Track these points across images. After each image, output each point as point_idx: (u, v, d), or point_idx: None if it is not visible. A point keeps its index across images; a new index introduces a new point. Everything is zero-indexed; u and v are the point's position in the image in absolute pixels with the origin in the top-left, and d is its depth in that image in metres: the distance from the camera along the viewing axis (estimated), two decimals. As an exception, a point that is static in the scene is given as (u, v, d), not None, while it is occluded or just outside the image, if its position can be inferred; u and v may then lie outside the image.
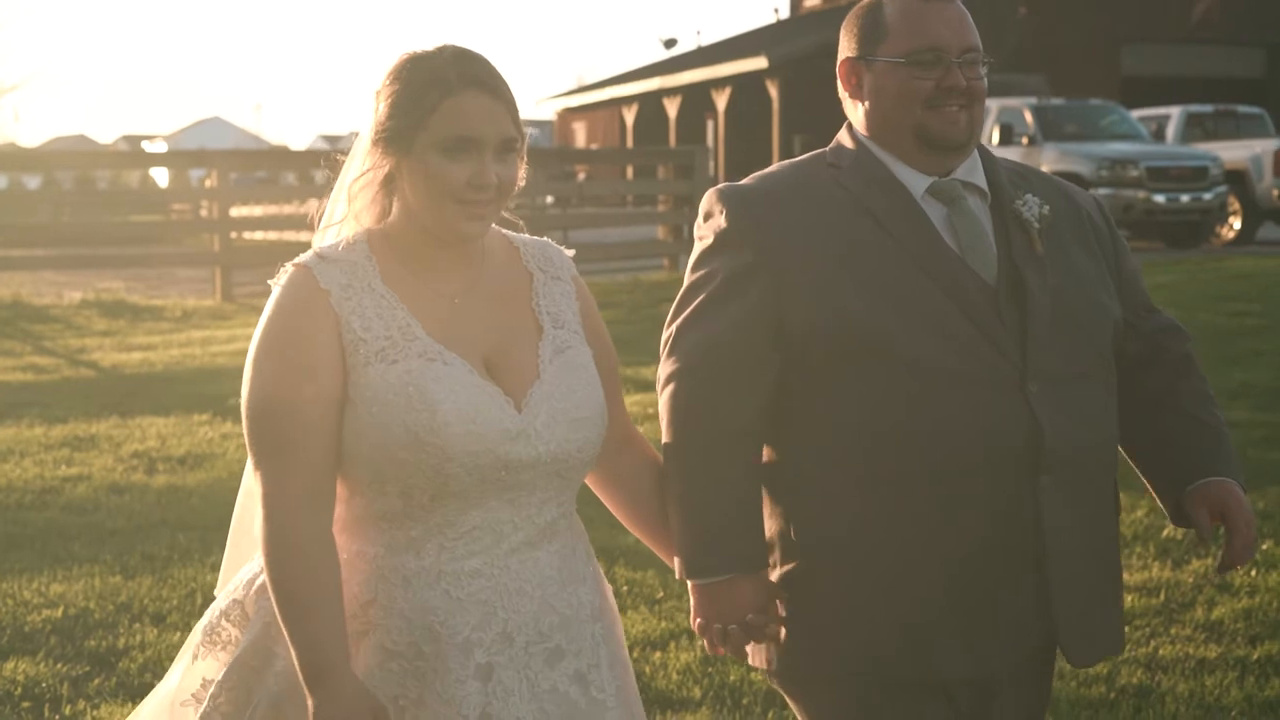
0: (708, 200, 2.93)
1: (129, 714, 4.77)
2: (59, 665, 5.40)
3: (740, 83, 40.84)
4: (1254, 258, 18.05)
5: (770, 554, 2.91)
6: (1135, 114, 25.40)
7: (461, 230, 2.65)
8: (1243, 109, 26.61)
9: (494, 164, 2.64)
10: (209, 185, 18.58)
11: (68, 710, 5.02)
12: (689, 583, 2.88)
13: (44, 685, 5.21)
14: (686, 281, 2.93)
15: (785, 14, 50.00)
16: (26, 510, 7.67)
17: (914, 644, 2.83)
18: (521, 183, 2.73)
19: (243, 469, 8.79)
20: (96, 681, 5.28)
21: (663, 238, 20.48)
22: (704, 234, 2.92)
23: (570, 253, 2.90)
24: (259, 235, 23.49)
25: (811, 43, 38.98)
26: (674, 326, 2.90)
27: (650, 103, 46.29)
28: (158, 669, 5.33)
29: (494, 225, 2.81)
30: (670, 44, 52.18)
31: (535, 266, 2.82)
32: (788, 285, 2.82)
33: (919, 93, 2.86)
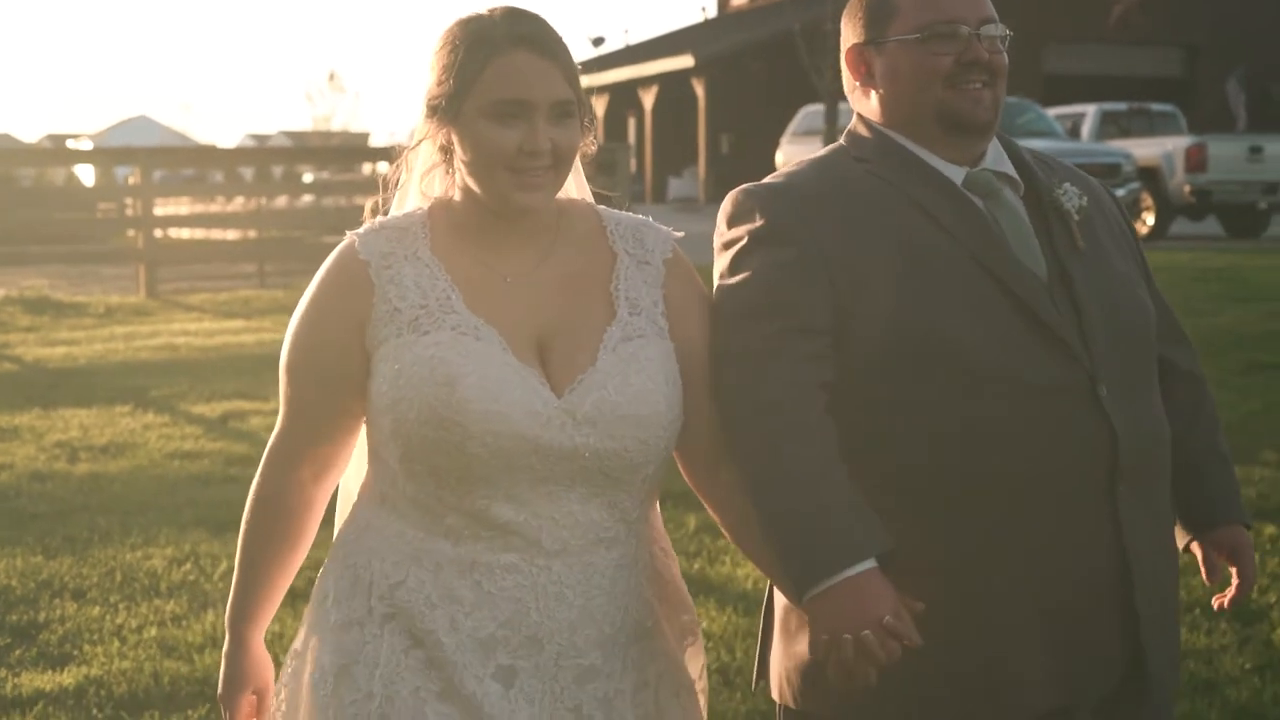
0: (736, 201, 2.70)
1: (48, 681, 4.99)
2: (-19, 638, 5.59)
3: (667, 81, 41.12)
4: (1166, 252, 18.45)
5: None
6: (1052, 112, 25.86)
7: (515, 201, 2.50)
8: (1156, 107, 27.14)
9: (548, 128, 2.48)
10: (132, 182, 18.63)
11: (-11, 678, 5.20)
12: (807, 602, 2.51)
13: (-34, 657, 5.39)
14: (721, 288, 2.67)
15: (713, 13, 50.36)
16: (-51, 497, 7.82)
17: (991, 676, 2.60)
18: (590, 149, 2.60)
19: (164, 457, 9.06)
20: (18, 652, 5.48)
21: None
22: (734, 237, 2.67)
23: (679, 234, 2.68)
24: (185, 233, 23.59)
25: (737, 42, 39.35)
26: (717, 332, 2.63)
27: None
28: (76, 640, 5.55)
29: (589, 200, 2.68)
30: (598, 42, 52.36)
31: (622, 248, 2.62)
32: (837, 283, 2.60)
33: (938, 70, 2.67)
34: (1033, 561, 2.58)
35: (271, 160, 25.83)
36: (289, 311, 11.58)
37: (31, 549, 6.74)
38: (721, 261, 2.69)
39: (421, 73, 2.57)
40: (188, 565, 6.48)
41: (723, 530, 2.70)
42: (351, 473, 2.72)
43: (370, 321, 2.52)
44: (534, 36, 2.50)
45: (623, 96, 43.49)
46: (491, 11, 2.54)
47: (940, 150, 2.71)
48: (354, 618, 2.56)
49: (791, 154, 28.85)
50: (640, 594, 2.60)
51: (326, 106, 63.18)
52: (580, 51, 45.95)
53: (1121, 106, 26.72)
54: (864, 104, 2.78)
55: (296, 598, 4.34)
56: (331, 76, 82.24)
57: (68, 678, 5.18)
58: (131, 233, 19.88)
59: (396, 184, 2.69)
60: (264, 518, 2.67)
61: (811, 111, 28.95)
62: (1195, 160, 23.68)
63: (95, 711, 4.91)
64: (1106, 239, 2.79)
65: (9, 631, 5.69)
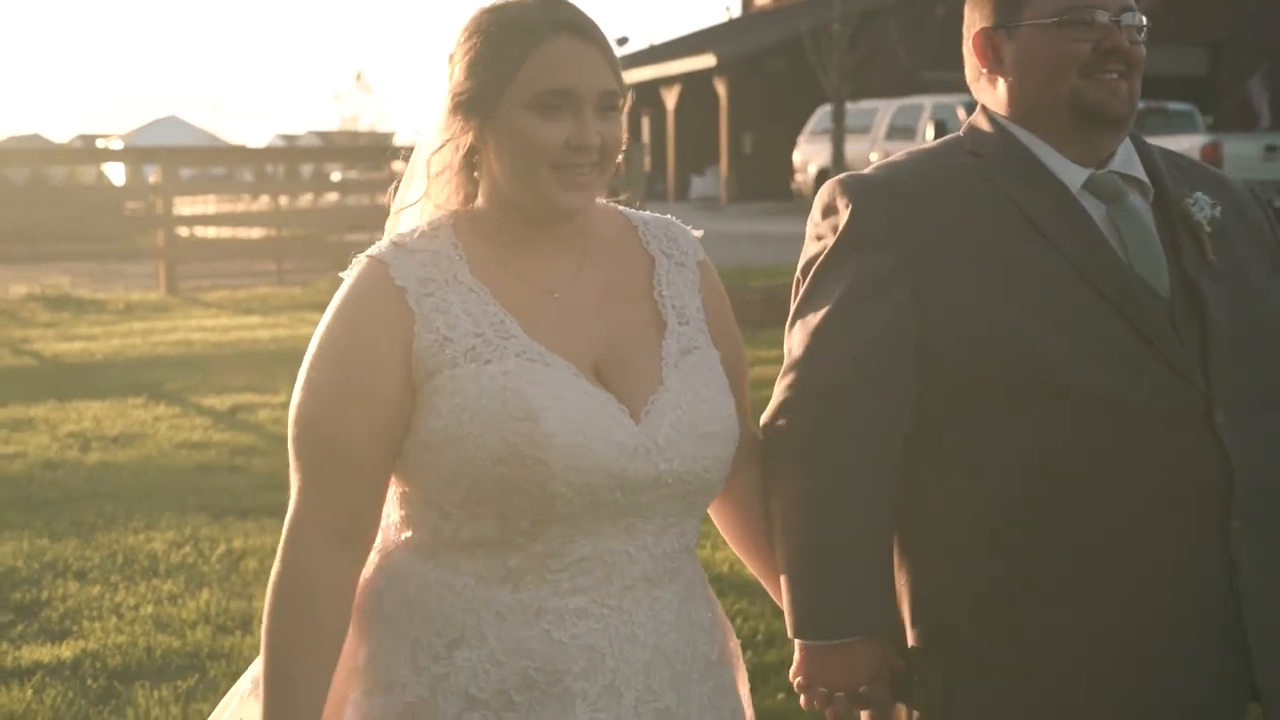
0: (829, 192, 2.55)
1: (47, 653, 5.26)
2: (-15, 615, 5.86)
3: (689, 81, 41.33)
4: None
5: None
6: (1068, 111, 25.97)
7: (560, 203, 2.28)
8: (1173, 106, 27.28)
9: (595, 121, 2.26)
10: (154, 181, 18.97)
11: (-9, 651, 5.48)
12: (797, 640, 2.48)
13: (-29, 632, 5.66)
14: (803, 289, 2.54)
15: (737, 13, 50.53)
16: (-37, 484, 8.11)
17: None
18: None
19: (172, 447, 9.37)
20: (20, 628, 5.74)
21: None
22: (824, 232, 2.53)
23: (698, 233, 2.52)
24: (211, 232, 23.91)
25: (760, 41, 39.53)
26: (794, 341, 2.51)
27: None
28: (76, 616, 5.82)
29: (604, 201, 2.45)
30: (622, 42, 52.58)
31: (658, 249, 2.43)
32: (928, 294, 2.43)
33: (1074, 57, 2.49)
34: (1125, 599, 2.39)
35: (289, 159, 26.10)
36: (304, 308, 12.06)
37: (39, 532, 7.01)
38: (807, 253, 2.56)
39: (442, 67, 2.36)
40: (186, 548, 6.74)
41: (715, 520, 2.57)
42: None
43: (414, 352, 2.25)
44: (576, 22, 2.29)
45: (646, 96, 43.75)
46: None
47: (1068, 147, 2.53)
48: (397, 680, 2.29)
49: (809, 153, 29.07)
50: (703, 624, 2.40)
51: (354, 106, 63.70)
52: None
53: (1139, 105, 26.84)
54: (989, 93, 2.60)
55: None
56: (358, 77, 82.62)
57: (65, 650, 5.44)
58: (153, 231, 20.20)
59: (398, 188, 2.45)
60: (303, 614, 2.24)
61: (829, 112, 29.12)
62: (1210, 159, 23.79)
63: (90, 681, 5.17)
64: (1246, 250, 2.57)
65: (12, 609, 5.96)
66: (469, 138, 2.31)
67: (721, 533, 2.60)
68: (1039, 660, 2.42)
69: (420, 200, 2.38)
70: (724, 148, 39.86)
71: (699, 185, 40.57)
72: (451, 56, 2.32)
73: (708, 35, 46.36)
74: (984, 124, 2.59)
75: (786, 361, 2.51)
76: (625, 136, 2.33)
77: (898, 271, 2.45)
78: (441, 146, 2.34)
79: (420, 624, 2.28)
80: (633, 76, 43.31)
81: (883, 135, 26.78)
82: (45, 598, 6.08)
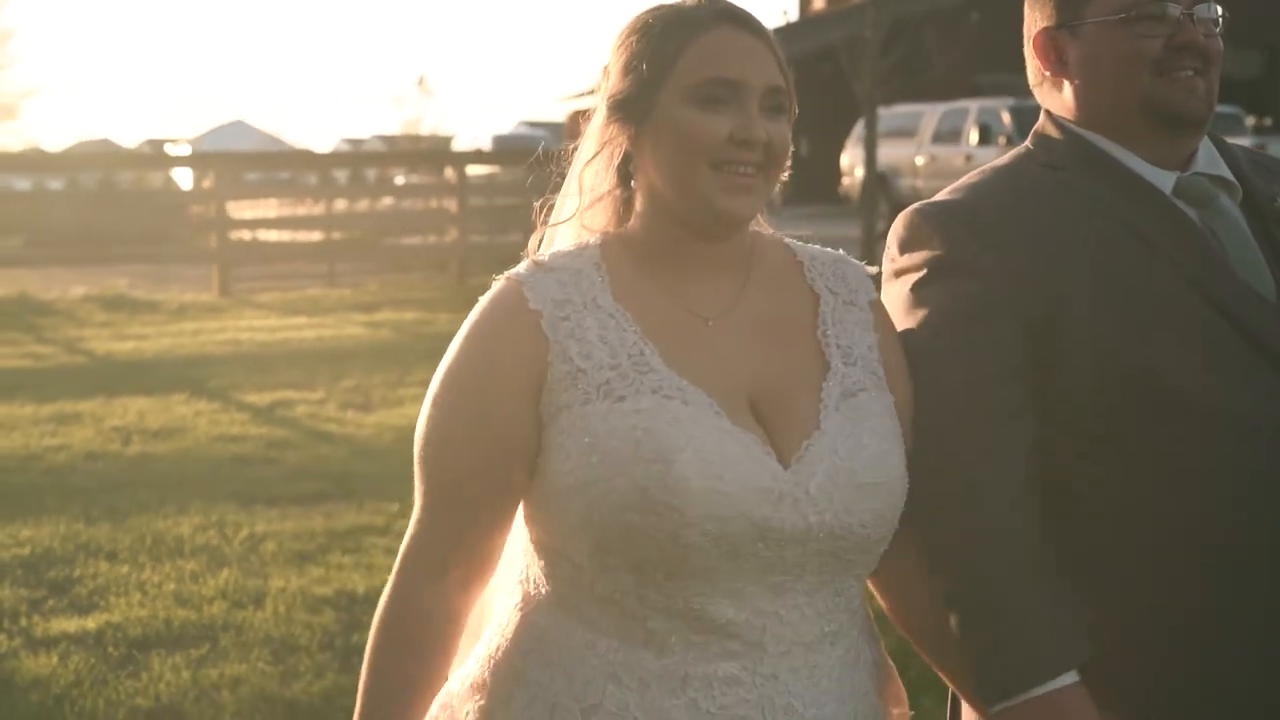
0: (909, 223, 2.34)
1: (74, 625, 5.70)
2: (21, 590, 6.32)
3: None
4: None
5: None
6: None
7: (720, 206, 2.07)
8: (1221, 108, 27.32)
9: (762, 118, 2.07)
10: (207, 186, 19.56)
11: (23, 623, 5.92)
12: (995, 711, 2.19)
13: (6, 606, 6.12)
14: (896, 324, 2.30)
15: (794, 16, 50.82)
16: (9, 474, 8.59)
17: None
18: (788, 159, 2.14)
19: (210, 440, 9.98)
20: (51, 603, 6.19)
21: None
22: (909, 265, 2.32)
23: (873, 270, 2.30)
24: (274, 235, 24.48)
25: (814, 45, 39.81)
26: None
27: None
28: (104, 593, 6.26)
29: (772, 231, 2.26)
30: (680, 47, 52.74)
31: (824, 286, 2.22)
32: (1032, 320, 2.24)
33: (1145, 54, 2.31)
34: (1262, 630, 2.21)
35: (335, 164, 26.68)
36: (351, 309, 12.62)
37: (75, 518, 7.47)
38: (892, 293, 2.34)
39: (599, 77, 2.20)
40: (211, 531, 7.18)
41: (881, 602, 2.30)
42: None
43: (547, 385, 2.07)
44: (740, 14, 2.12)
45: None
46: None
47: (1145, 151, 2.34)
48: None
49: (857, 157, 29.34)
50: (867, 694, 2.19)
51: (415, 110, 64.43)
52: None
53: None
54: (1055, 98, 2.43)
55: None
56: (420, 81, 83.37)
57: (91, 623, 5.88)
58: (209, 233, 20.79)
59: (549, 210, 2.24)
60: (406, 641, 2.15)
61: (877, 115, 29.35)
62: (1256, 161, 23.98)
63: (111, 650, 5.60)
64: None
65: (46, 585, 6.41)
66: (624, 142, 2.13)
67: (892, 620, 2.30)
68: (1168, 694, 2.24)
69: (572, 217, 2.19)
70: (778, 151, 40.12)
71: (754, 188, 40.79)
72: (605, 68, 2.16)
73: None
74: (1053, 131, 2.41)
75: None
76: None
77: (996, 301, 2.24)
78: (595, 155, 2.15)
79: (561, 688, 2.10)
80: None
81: (929, 139, 27.02)
82: (77, 575, 6.52)
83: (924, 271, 2.30)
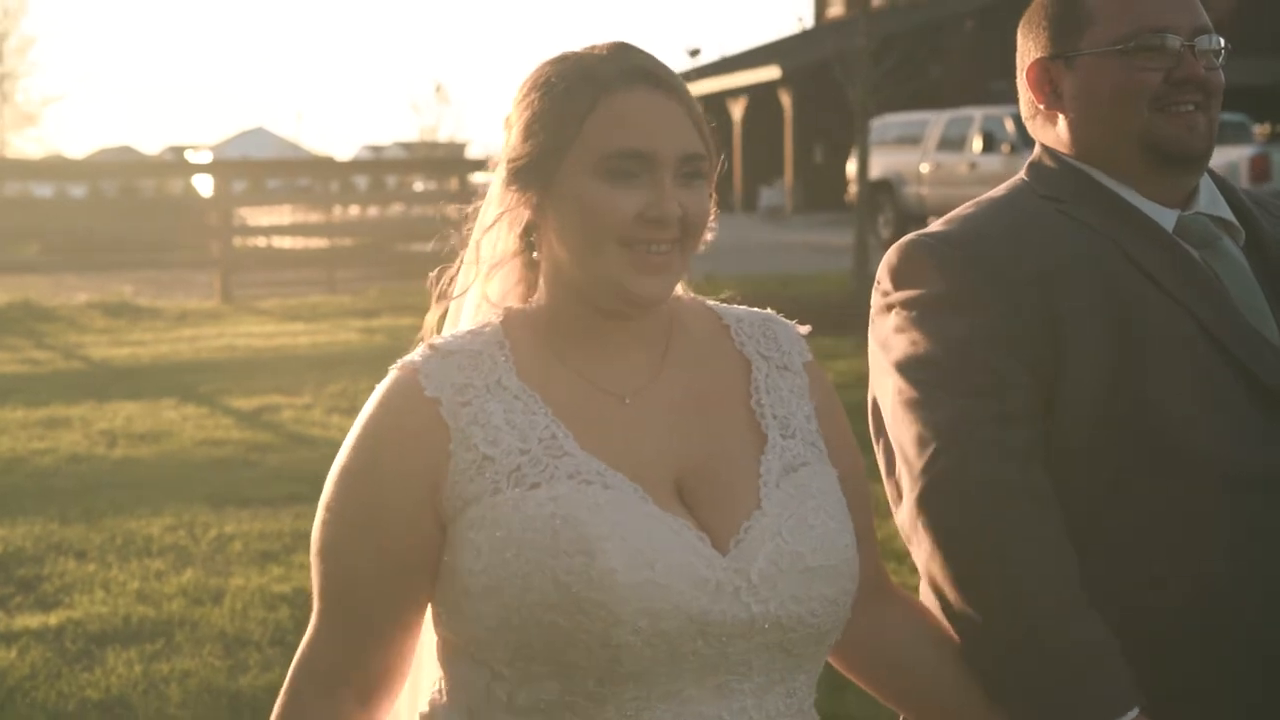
0: (903, 255, 2.23)
1: (36, 621, 5.90)
2: (-11, 588, 6.54)
3: (755, 92, 41.85)
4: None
5: None
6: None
7: (632, 289, 1.90)
8: (1227, 116, 27.45)
9: (676, 190, 1.89)
10: (211, 193, 19.87)
11: (-12, 618, 6.15)
12: None
13: (-26, 603, 6.34)
14: (894, 361, 2.20)
15: (810, 24, 50.96)
16: (-7, 475, 8.81)
17: None
18: (711, 230, 1.97)
19: (193, 444, 10.23)
20: (17, 599, 6.40)
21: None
22: (904, 299, 2.21)
23: (805, 329, 2.12)
24: (288, 242, 24.74)
25: (826, 52, 39.98)
26: (899, 429, 2.17)
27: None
28: (69, 590, 6.47)
29: (690, 292, 2.09)
30: (694, 53, 53.20)
31: (754, 351, 2.05)
32: (1037, 356, 2.14)
33: (1143, 88, 2.22)
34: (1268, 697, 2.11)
35: (351, 172, 26.93)
36: (349, 315, 12.87)
37: (51, 518, 7.68)
38: (884, 327, 2.23)
39: (497, 132, 2.02)
40: (181, 532, 7.38)
41: (855, 678, 2.17)
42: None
43: (449, 477, 1.90)
44: (653, 71, 1.92)
45: (713, 109, 44.29)
46: (594, 47, 1.97)
47: (1144, 188, 2.25)
48: None
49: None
50: None
51: (433, 117, 64.83)
52: (676, 63, 46.78)
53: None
54: (1048, 132, 2.34)
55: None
56: (438, 88, 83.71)
57: (52, 619, 6.08)
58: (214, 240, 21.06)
59: (450, 283, 2.07)
60: None
61: (883, 124, 29.54)
62: (1259, 169, 24.06)
63: (68, 644, 5.80)
64: None
65: (14, 583, 6.62)
66: (526, 212, 1.95)
67: (873, 692, 2.18)
68: None
69: (472, 290, 2.03)
70: (789, 159, 40.32)
71: (767, 196, 41.06)
72: (507, 120, 1.98)
73: (774, 47, 46.83)
74: (1050, 164, 2.32)
75: (908, 450, 2.16)
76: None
77: (999, 336, 2.14)
78: (494, 224, 1.98)
79: None
80: (700, 88, 43.87)
81: (934, 146, 27.16)
82: (45, 573, 6.73)
83: (921, 306, 2.19)
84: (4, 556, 7.00)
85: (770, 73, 40.09)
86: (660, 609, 1.81)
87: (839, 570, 1.91)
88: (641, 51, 1.95)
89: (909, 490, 2.14)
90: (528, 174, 1.93)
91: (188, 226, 21.81)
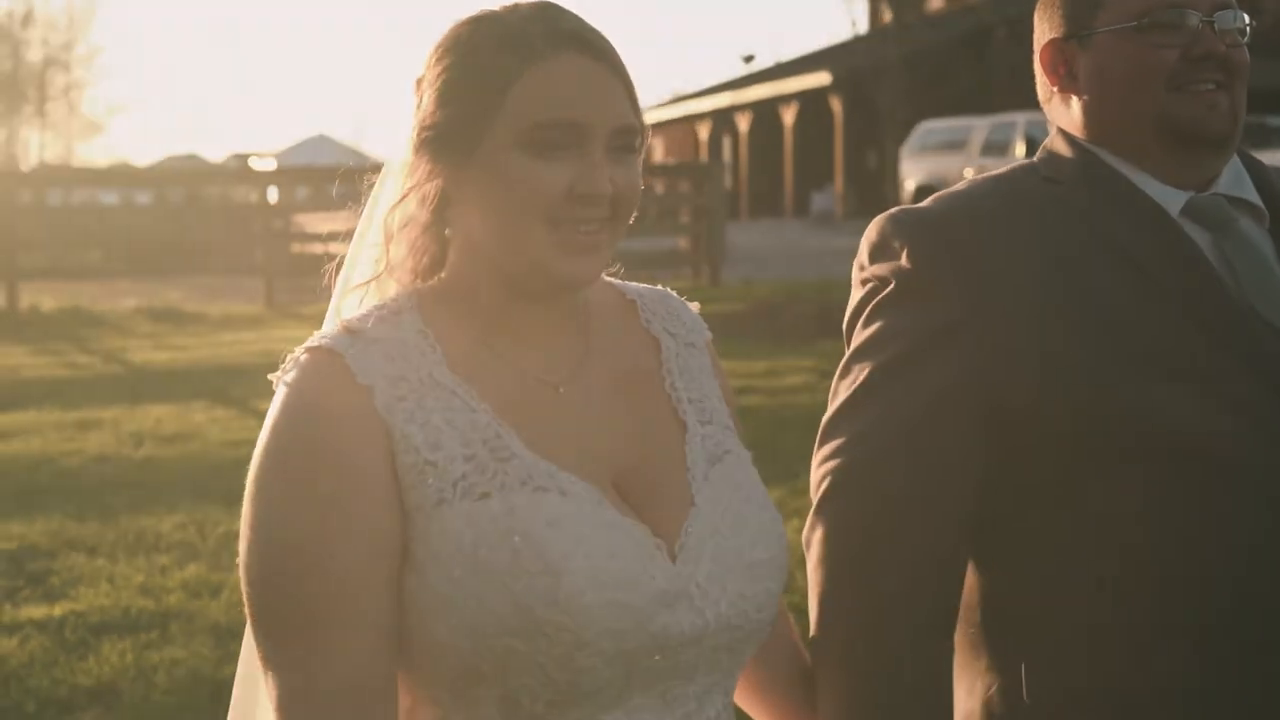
0: (880, 230, 2.16)
1: (40, 612, 6.19)
2: (0, 580, 6.82)
3: (806, 99, 42.01)
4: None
5: None
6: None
7: (560, 270, 1.75)
8: (1273, 120, 27.36)
9: (607, 164, 1.75)
10: (254, 200, 20.32)
11: (-4, 609, 6.45)
12: None
13: (-16, 595, 6.64)
14: (852, 345, 2.14)
15: (865, 29, 51.05)
16: (19, 475, 9.13)
17: None
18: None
19: (218, 445, 10.59)
20: (25, 592, 6.69)
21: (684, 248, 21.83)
22: (874, 275, 2.15)
23: (695, 306, 2.01)
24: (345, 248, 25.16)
25: (877, 58, 40.10)
26: (835, 408, 2.12)
27: (722, 119, 47.60)
28: (76, 584, 6.75)
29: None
30: (749, 59, 53.41)
31: (661, 328, 1.94)
32: (1005, 351, 2.04)
33: (1159, 67, 2.12)
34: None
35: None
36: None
37: (68, 515, 7.98)
38: (855, 300, 2.18)
39: (405, 101, 1.84)
40: (190, 529, 7.66)
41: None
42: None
43: (397, 472, 1.71)
44: (585, 36, 1.77)
45: (765, 115, 44.48)
46: (517, 6, 1.79)
47: (1161, 171, 2.16)
48: None
49: (909, 170, 29.66)
50: None
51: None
52: (732, 69, 46.79)
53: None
54: (1063, 114, 2.25)
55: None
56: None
57: (57, 610, 6.36)
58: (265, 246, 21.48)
59: (341, 265, 1.94)
60: None
61: (927, 129, 29.68)
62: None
63: (68, 634, 6.07)
64: None
65: (24, 576, 6.92)
66: (438, 185, 1.78)
67: (747, 709, 2.07)
68: None
69: (376, 276, 1.85)
70: (839, 164, 40.45)
71: (818, 201, 41.22)
72: (419, 81, 1.80)
73: (826, 53, 46.96)
74: (1062, 147, 2.23)
75: (829, 445, 2.10)
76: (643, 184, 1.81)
77: (959, 324, 2.07)
78: (402, 198, 1.80)
79: None
80: (752, 95, 44.08)
81: (977, 152, 27.28)
82: (56, 568, 7.02)
83: (888, 288, 2.12)
84: (18, 551, 7.30)
85: (821, 79, 40.22)
86: (624, 629, 1.68)
87: (775, 561, 1.83)
88: (569, 12, 1.80)
89: (820, 463, 2.10)
90: (442, 144, 1.77)
91: (239, 233, 22.28)
